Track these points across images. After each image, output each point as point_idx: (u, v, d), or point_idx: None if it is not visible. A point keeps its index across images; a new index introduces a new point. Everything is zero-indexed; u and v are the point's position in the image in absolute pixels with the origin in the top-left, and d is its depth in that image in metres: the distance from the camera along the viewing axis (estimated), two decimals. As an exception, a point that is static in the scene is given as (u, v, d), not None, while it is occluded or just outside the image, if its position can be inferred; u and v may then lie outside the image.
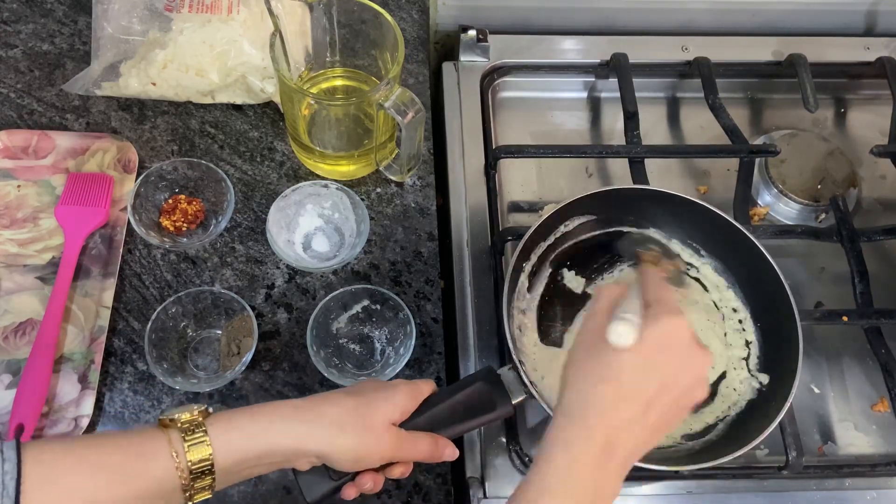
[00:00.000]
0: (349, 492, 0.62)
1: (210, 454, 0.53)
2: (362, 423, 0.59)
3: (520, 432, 0.76)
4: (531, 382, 0.67)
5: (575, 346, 0.57)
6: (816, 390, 0.83)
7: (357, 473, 0.62)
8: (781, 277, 0.74)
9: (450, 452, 0.63)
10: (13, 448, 0.49)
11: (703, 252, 0.82)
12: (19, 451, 0.49)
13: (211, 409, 0.56)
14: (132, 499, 0.52)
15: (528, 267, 0.79)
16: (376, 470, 0.62)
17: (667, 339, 0.54)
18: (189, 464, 0.53)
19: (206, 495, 0.55)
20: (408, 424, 0.64)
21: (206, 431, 0.54)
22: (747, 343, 0.78)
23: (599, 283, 0.77)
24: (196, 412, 0.55)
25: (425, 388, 0.65)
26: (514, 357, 0.69)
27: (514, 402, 0.66)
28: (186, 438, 0.53)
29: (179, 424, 0.54)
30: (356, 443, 0.58)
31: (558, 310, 0.80)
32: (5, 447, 0.49)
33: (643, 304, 0.56)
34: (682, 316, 0.55)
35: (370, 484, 0.62)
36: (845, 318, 0.80)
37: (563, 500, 0.50)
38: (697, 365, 0.56)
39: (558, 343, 0.78)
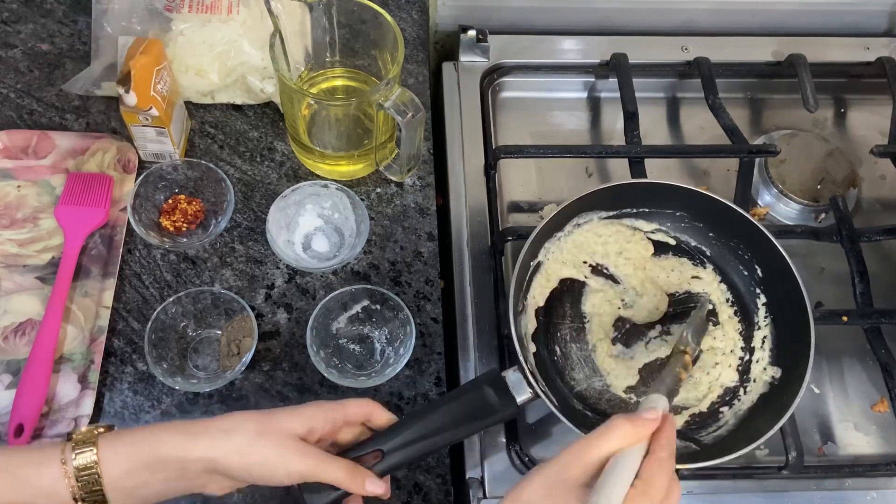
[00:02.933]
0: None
1: (94, 460, 0.54)
2: (254, 430, 0.57)
3: (520, 432, 0.76)
4: (536, 383, 0.67)
5: (536, 482, 0.53)
6: (816, 390, 0.83)
7: None
8: (794, 271, 0.74)
9: (372, 488, 0.60)
10: None
11: (711, 242, 0.83)
12: None
13: (115, 428, 0.57)
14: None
15: (534, 264, 0.79)
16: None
17: None
18: (75, 470, 0.54)
19: None
20: (407, 427, 0.64)
21: (95, 442, 0.55)
22: (763, 339, 0.79)
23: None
24: (99, 429, 0.57)
25: (356, 408, 0.62)
26: (521, 357, 0.69)
27: (518, 403, 0.67)
28: (76, 447, 0.55)
29: (75, 436, 0.55)
30: (245, 447, 0.56)
31: (567, 309, 0.81)
32: None
33: (637, 474, 0.52)
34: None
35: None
36: (845, 319, 0.80)
37: None
38: None
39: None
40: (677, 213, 0.82)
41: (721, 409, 0.76)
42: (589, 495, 0.50)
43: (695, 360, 0.72)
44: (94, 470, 0.54)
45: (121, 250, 0.81)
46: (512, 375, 0.68)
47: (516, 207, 0.91)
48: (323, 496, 0.62)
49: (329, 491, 0.62)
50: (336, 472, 0.59)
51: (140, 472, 0.55)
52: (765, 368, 0.77)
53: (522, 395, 0.67)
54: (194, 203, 0.84)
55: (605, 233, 0.83)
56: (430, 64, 1.01)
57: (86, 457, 0.54)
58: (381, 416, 0.64)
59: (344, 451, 0.64)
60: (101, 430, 0.57)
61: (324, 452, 0.59)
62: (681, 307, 0.81)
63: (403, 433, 0.64)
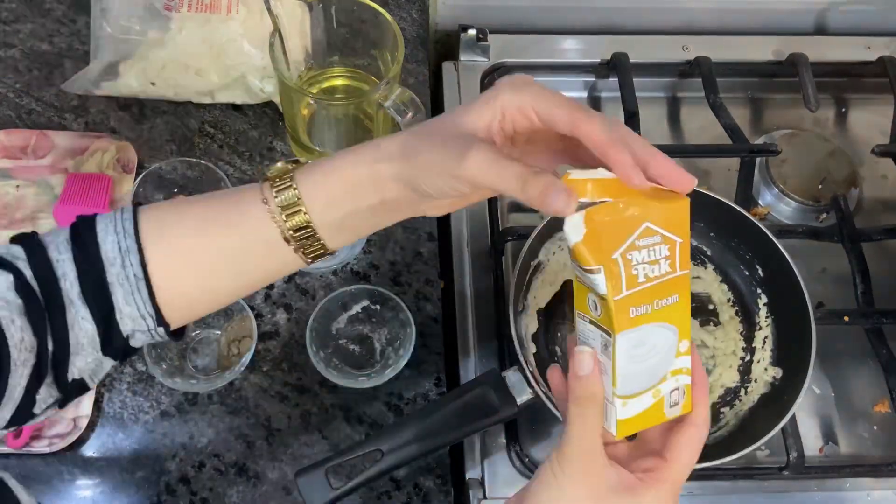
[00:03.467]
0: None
1: (297, 195, 0.50)
2: (437, 126, 0.48)
3: (520, 433, 0.76)
4: (536, 383, 0.67)
5: (577, 486, 0.47)
6: (817, 391, 0.83)
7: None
8: (795, 271, 0.74)
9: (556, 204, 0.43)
10: (130, 206, 0.51)
11: (712, 241, 0.82)
12: (135, 207, 0.51)
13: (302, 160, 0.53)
14: (238, 249, 0.51)
15: (534, 264, 0.79)
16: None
17: (674, 490, 0.48)
18: (280, 209, 0.50)
19: (319, 249, 0.52)
20: (407, 427, 0.64)
21: (292, 177, 0.50)
22: (764, 339, 0.79)
23: None
24: (288, 164, 0.52)
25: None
26: (521, 357, 0.69)
27: (519, 404, 0.66)
28: (274, 185, 0.50)
29: (269, 174, 0.52)
30: (430, 144, 0.47)
31: (567, 309, 0.80)
32: (123, 207, 0.51)
33: (654, 450, 0.49)
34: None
35: None
36: (846, 319, 0.80)
37: None
38: None
39: None
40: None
41: (722, 410, 0.76)
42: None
43: None
44: (298, 206, 0.50)
45: (120, 250, 0.81)
46: (512, 376, 0.68)
47: (516, 207, 0.91)
48: (323, 494, 0.62)
49: (328, 489, 0.62)
50: (513, 179, 0.44)
51: (340, 204, 0.50)
52: (766, 369, 0.77)
53: (523, 396, 0.67)
54: (194, 203, 0.84)
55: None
56: (430, 63, 1.01)
57: (286, 193, 0.50)
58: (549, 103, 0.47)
59: (342, 451, 0.64)
60: (289, 164, 0.53)
61: (503, 157, 0.45)
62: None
63: (403, 433, 0.64)
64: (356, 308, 0.80)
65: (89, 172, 0.85)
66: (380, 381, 0.76)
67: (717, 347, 0.79)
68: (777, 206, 0.92)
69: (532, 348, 0.77)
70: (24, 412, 0.49)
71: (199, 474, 0.74)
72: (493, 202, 0.88)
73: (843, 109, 1.02)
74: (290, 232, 0.50)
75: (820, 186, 0.91)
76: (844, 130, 1.00)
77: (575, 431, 0.47)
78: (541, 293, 0.80)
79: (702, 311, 0.81)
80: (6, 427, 0.49)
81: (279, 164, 0.53)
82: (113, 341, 0.50)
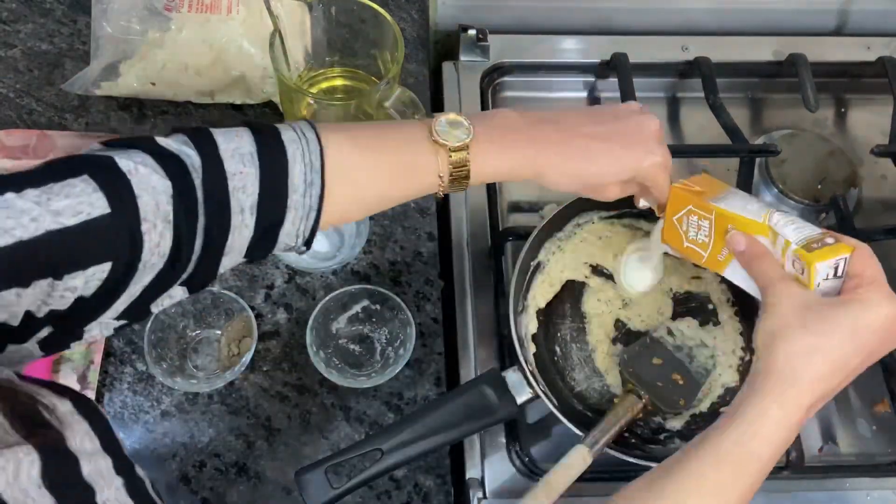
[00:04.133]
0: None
1: (467, 169, 0.60)
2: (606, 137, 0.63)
3: (520, 432, 0.76)
4: (536, 382, 0.67)
5: (790, 299, 0.57)
6: (817, 390, 0.83)
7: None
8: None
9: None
10: (313, 131, 0.56)
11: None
12: (319, 135, 0.56)
13: (472, 134, 0.60)
14: (400, 198, 0.61)
15: (534, 264, 0.79)
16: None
17: (883, 329, 0.56)
18: (450, 178, 0.60)
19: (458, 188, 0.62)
20: (407, 427, 0.64)
21: (467, 161, 0.59)
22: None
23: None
24: (465, 140, 0.59)
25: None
26: (521, 357, 0.69)
27: (518, 403, 0.67)
28: (452, 156, 0.59)
29: (449, 148, 0.59)
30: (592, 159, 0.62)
31: (567, 309, 0.80)
32: (305, 130, 0.56)
33: (850, 273, 0.58)
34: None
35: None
36: (846, 319, 0.80)
37: (770, 447, 0.54)
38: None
39: None
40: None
41: (722, 410, 0.76)
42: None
43: (647, 412, 0.72)
44: (465, 175, 0.60)
45: (120, 250, 0.81)
46: (512, 375, 0.68)
47: (516, 207, 0.91)
48: (323, 493, 0.62)
49: (328, 489, 0.62)
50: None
51: (495, 176, 0.63)
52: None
53: (522, 396, 0.67)
54: (194, 203, 0.84)
55: (605, 233, 0.82)
56: (430, 63, 1.01)
57: (462, 170, 0.59)
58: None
59: (342, 450, 0.64)
60: (465, 140, 0.59)
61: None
62: (681, 307, 0.81)
63: (403, 432, 0.64)
64: (356, 308, 0.80)
65: (89, 172, 0.85)
66: (380, 381, 0.76)
67: (717, 347, 0.79)
68: (777, 206, 0.92)
69: (532, 348, 0.77)
70: (138, 307, 0.52)
71: (199, 474, 0.74)
72: (493, 202, 0.88)
73: (843, 110, 1.02)
74: (449, 185, 0.60)
75: (819, 187, 0.92)
76: (844, 131, 1.00)
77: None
78: (541, 293, 0.80)
79: (701, 310, 0.81)
80: (119, 318, 0.51)
81: (452, 118, 0.60)
82: (261, 249, 0.55)
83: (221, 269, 0.55)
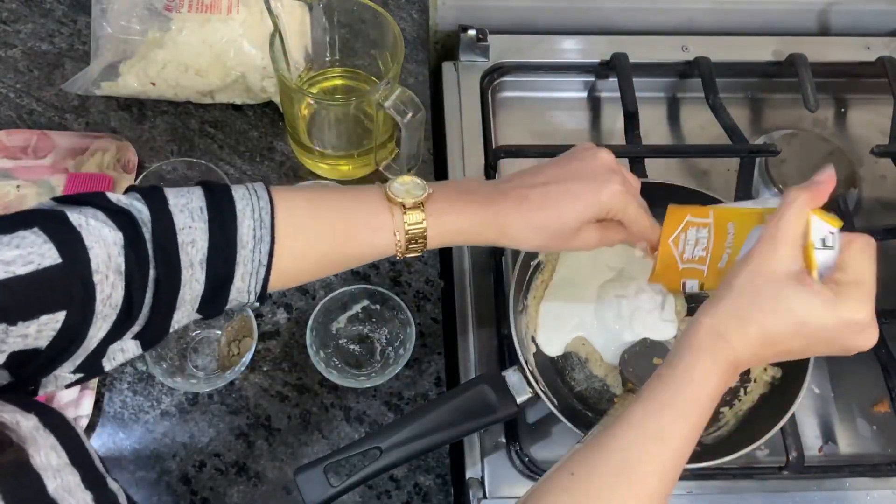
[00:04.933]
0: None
1: (424, 227, 0.59)
2: (553, 230, 0.61)
3: (520, 432, 0.76)
4: (536, 382, 0.67)
5: (754, 265, 0.55)
6: (817, 390, 0.83)
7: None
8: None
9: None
10: (265, 189, 0.56)
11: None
12: (270, 193, 0.56)
13: (428, 191, 0.60)
14: (354, 258, 0.60)
15: (534, 264, 0.79)
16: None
17: (837, 329, 0.54)
18: (406, 237, 0.59)
19: (416, 254, 0.62)
20: (406, 425, 0.64)
21: (423, 209, 0.59)
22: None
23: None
24: (420, 197, 0.59)
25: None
26: (520, 357, 0.69)
27: (518, 403, 0.67)
28: (406, 214, 0.59)
29: (404, 206, 0.59)
30: (545, 243, 0.62)
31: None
32: (257, 188, 0.56)
33: (840, 265, 0.55)
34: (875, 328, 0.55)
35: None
36: (846, 319, 0.80)
37: (706, 392, 0.54)
38: (860, 347, 0.56)
39: None
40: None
41: (721, 410, 0.76)
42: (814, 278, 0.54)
43: None
44: (422, 235, 0.59)
45: (120, 250, 0.81)
46: (512, 375, 0.68)
47: (516, 207, 0.91)
48: (321, 491, 0.62)
49: (326, 487, 0.62)
50: (621, 235, 0.65)
51: (453, 235, 0.61)
52: (765, 369, 0.77)
53: (522, 396, 0.67)
54: (194, 203, 0.84)
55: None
56: (430, 64, 1.01)
57: (417, 227, 0.59)
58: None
59: (341, 449, 0.64)
60: (421, 197, 0.59)
61: (610, 226, 0.64)
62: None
63: (402, 431, 0.64)
64: (356, 308, 0.80)
65: (90, 172, 0.85)
66: (380, 381, 0.76)
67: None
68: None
69: (532, 348, 0.77)
70: (93, 363, 0.52)
71: (199, 474, 0.74)
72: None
73: (843, 110, 1.02)
74: (405, 250, 0.60)
75: (819, 186, 0.91)
76: (844, 131, 1.00)
77: (790, 213, 0.56)
78: (541, 293, 0.80)
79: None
80: (75, 372, 0.51)
81: (407, 180, 0.60)
82: (214, 304, 0.55)
83: (175, 325, 0.54)
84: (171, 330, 0.54)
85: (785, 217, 0.55)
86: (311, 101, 0.84)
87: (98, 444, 0.74)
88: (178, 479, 0.73)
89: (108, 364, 0.53)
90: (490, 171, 0.89)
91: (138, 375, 0.77)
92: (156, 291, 0.52)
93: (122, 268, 0.50)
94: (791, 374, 0.74)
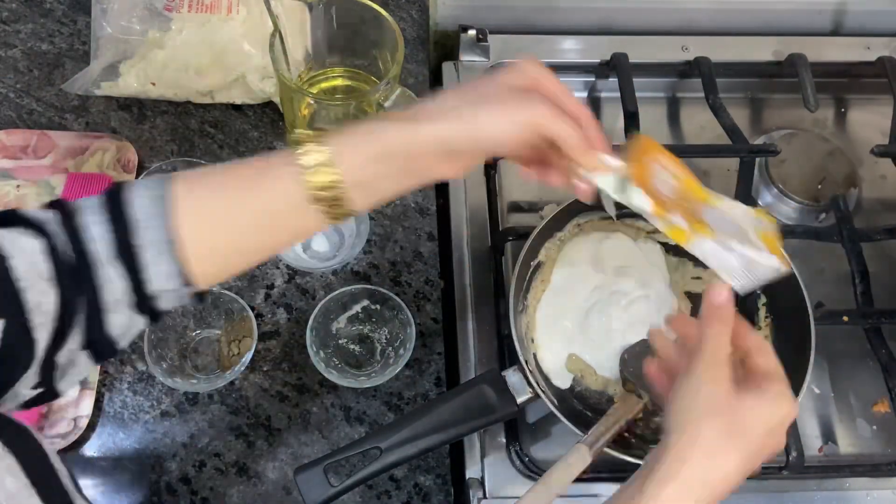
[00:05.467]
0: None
1: (328, 155, 0.52)
2: (473, 98, 0.54)
3: (520, 432, 0.76)
4: (537, 382, 0.67)
5: (703, 386, 0.54)
6: (817, 390, 0.83)
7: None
8: (795, 271, 0.74)
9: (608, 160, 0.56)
10: (165, 177, 0.53)
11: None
12: (167, 175, 0.53)
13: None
14: (266, 210, 0.53)
15: (534, 264, 0.79)
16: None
17: (781, 420, 0.55)
18: (307, 164, 0.52)
19: (346, 210, 0.53)
20: (406, 425, 0.64)
21: (322, 139, 0.53)
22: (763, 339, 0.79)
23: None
24: (320, 135, 0.54)
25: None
26: (521, 356, 0.69)
27: (518, 403, 0.67)
28: (305, 145, 0.52)
29: (299, 137, 0.55)
30: (470, 115, 0.53)
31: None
32: (156, 176, 0.53)
33: (753, 368, 0.56)
34: (796, 405, 0.56)
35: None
36: (846, 319, 0.80)
37: None
38: (774, 451, 0.57)
39: None
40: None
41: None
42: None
43: (647, 412, 0.72)
44: (329, 165, 0.52)
45: (120, 250, 0.81)
46: (512, 375, 0.68)
47: (516, 207, 0.91)
48: (321, 491, 0.62)
49: (326, 487, 0.62)
50: (564, 126, 0.54)
51: (372, 165, 0.53)
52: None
53: (522, 395, 0.67)
54: (194, 203, 0.84)
55: (605, 232, 0.82)
56: (430, 64, 1.01)
57: (319, 155, 0.52)
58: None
59: (341, 448, 0.64)
60: (317, 131, 0.55)
61: (544, 98, 0.54)
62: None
63: (402, 431, 0.64)
64: (356, 308, 0.80)
65: (90, 172, 0.85)
66: (380, 381, 0.76)
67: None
68: (777, 206, 0.92)
69: (532, 348, 0.77)
70: (46, 378, 0.50)
71: (199, 474, 0.74)
72: (492, 202, 0.88)
73: (843, 110, 1.02)
74: (319, 191, 0.52)
75: (819, 186, 0.92)
76: (844, 131, 1.00)
77: (710, 347, 0.54)
78: (540, 293, 0.80)
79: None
80: (34, 388, 0.50)
81: (305, 131, 0.54)
82: (145, 300, 0.52)
83: (116, 329, 0.52)
84: (116, 335, 0.52)
85: (703, 358, 0.55)
86: (311, 101, 0.84)
87: (98, 444, 0.74)
88: (178, 479, 0.73)
89: (65, 385, 0.52)
90: (490, 170, 0.89)
91: (138, 375, 0.77)
92: (83, 296, 0.50)
93: (49, 274, 0.48)
94: (791, 373, 0.73)
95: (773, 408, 0.54)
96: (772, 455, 0.56)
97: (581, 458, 0.64)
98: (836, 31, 1.07)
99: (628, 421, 0.68)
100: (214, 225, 0.53)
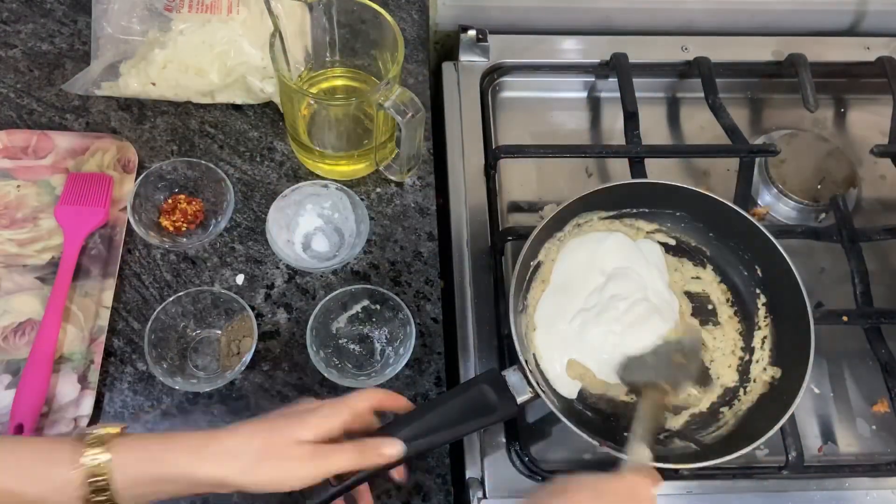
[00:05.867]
0: None
1: (107, 468, 0.56)
2: (260, 448, 0.58)
3: (520, 432, 0.76)
4: (538, 382, 0.67)
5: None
6: (816, 390, 0.83)
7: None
8: (794, 271, 0.75)
9: (389, 451, 0.61)
10: None
11: (711, 242, 0.83)
12: None
13: (127, 430, 0.58)
14: (35, 500, 0.55)
15: (534, 264, 0.79)
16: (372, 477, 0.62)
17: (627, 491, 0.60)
18: (86, 474, 0.55)
19: None
20: (405, 426, 0.64)
21: (108, 448, 0.56)
22: (763, 339, 0.79)
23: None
24: (114, 430, 0.58)
25: (363, 403, 0.63)
26: (521, 356, 0.69)
27: (518, 403, 0.67)
28: (87, 450, 0.56)
29: (88, 439, 0.57)
30: (251, 468, 0.57)
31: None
32: None
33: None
34: None
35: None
36: (845, 319, 0.80)
37: None
38: None
39: None
40: (677, 213, 0.82)
41: (721, 409, 0.76)
42: None
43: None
44: (105, 476, 0.55)
45: (120, 250, 0.81)
46: (512, 375, 0.68)
47: (516, 207, 0.91)
48: (322, 490, 0.62)
49: (328, 486, 0.62)
50: (345, 460, 0.59)
51: (149, 484, 0.57)
52: (765, 369, 0.77)
53: (522, 395, 0.67)
54: (194, 203, 0.84)
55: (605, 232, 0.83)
56: (430, 64, 1.01)
57: (98, 461, 0.55)
58: (393, 403, 0.66)
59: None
60: (114, 431, 0.58)
61: (328, 446, 0.59)
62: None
63: (402, 431, 0.64)
64: (356, 308, 0.80)
65: (90, 172, 0.85)
66: (380, 381, 0.76)
67: (717, 347, 0.79)
68: (776, 206, 0.92)
69: (532, 348, 0.77)
70: None
71: (199, 474, 0.74)
72: (492, 202, 0.88)
73: (842, 110, 1.02)
74: (92, 495, 0.55)
75: (819, 186, 0.92)
76: (843, 131, 1.00)
77: None
78: (539, 294, 0.80)
79: (701, 310, 0.81)
80: None
81: (95, 431, 0.58)
82: None
83: None
84: None
85: None
86: (311, 101, 0.85)
87: (98, 443, 0.74)
88: (179, 478, 0.73)
89: None
90: (490, 170, 0.89)
91: (138, 375, 0.77)
92: None
93: None
94: (791, 373, 0.74)
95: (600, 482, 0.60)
96: None
97: (644, 454, 0.65)
98: (835, 32, 1.06)
99: (659, 412, 0.70)
100: None
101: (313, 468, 0.58)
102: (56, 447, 0.57)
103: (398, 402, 0.66)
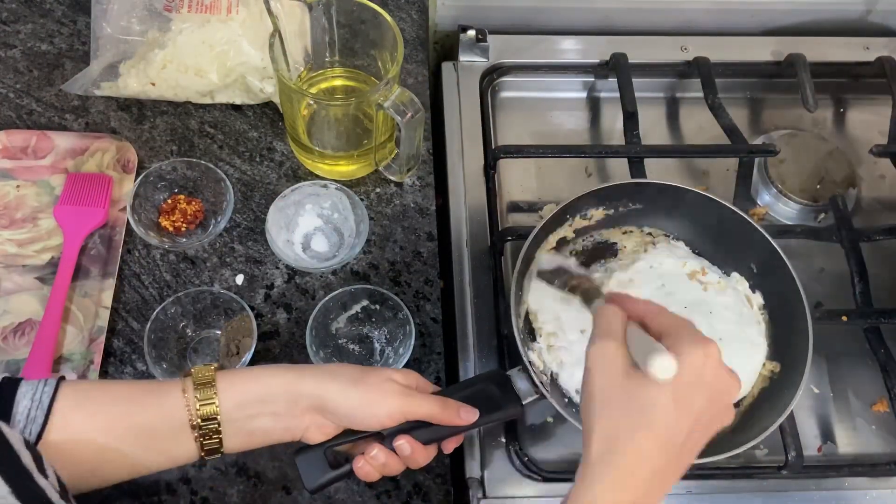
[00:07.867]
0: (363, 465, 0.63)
1: (213, 392, 0.59)
2: (358, 376, 0.62)
3: (520, 432, 0.76)
4: (541, 383, 0.67)
5: (594, 378, 0.54)
6: (816, 390, 0.83)
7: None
8: (792, 271, 0.75)
9: (466, 415, 0.64)
10: (55, 379, 0.58)
11: (710, 240, 0.83)
12: (59, 381, 0.58)
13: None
14: (144, 427, 0.59)
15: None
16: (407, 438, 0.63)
17: (698, 372, 0.52)
18: (196, 400, 0.59)
19: (216, 445, 0.60)
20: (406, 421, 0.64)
21: (213, 377, 0.60)
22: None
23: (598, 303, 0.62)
24: (212, 368, 0.61)
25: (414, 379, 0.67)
26: (524, 357, 0.69)
27: (524, 404, 0.66)
28: (196, 384, 0.59)
29: (194, 375, 0.60)
30: (347, 388, 0.61)
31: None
32: (49, 380, 0.58)
33: (656, 334, 0.54)
34: (711, 343, 0.53)
35: (380, 455, 0.62)
36: (845, 319, 0.80)
37: None
38: (726, 393, 0.54)
39: None
40: (676, 213, 0.82)
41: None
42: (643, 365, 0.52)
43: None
44: (212, 401, 0.59)
45: (120, 250, 0.81)
46: (516, 375, 0.68)
47: (516, 207, 0.91)
48: (321, 474, 0.62)
49: (327, 469, 0.62)
50: (428, 407, 0.63)
51: (252, 405, 0.60)
52: (764, 363, 0.77)
53: (528, 396, 0.67)
54: (194, 203, 0.84)
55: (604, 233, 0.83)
56: (430, 64, 1.01)
57: (207, 389, 0.59)
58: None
59: (342, 433, 0.63)
60: (213, 368, 0.61)
61: (415, 391, 0.64)
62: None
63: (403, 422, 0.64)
64: (356, 308, 0.80)
65: (89, 172, 0.85)
66: (380, 381, 0.76)
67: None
68: (775, 206, 0.92)
69: (533, 348, 0.77)
70: None
71: (199, 474, 0.74)
72: (492, 202, 0.88)
73: (842, 110, 1.02)
74: (199, 420, 0.59)
75: (818, 186, 0.92)
76: (843, 131, 1.00)
77: (597, 332, 0.56)
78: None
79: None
80: None
81: (201, 368, 0.62)
82: (29, 496, 0.51)
83: None
84: None
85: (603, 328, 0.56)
86: (311, 102, 0.85)
87: (98, 444, 0.74)
88: (178, 479, 0.73)
89: None
90: (489, 170, 0.89)
91: (138, 375, 0.77)
92: None
93: None
94: (790, 368, 0.74)
95: (680, 366, 0.51)
96: (723, 400, 0.54)
97: None
98: (835, 32, 1.06)
99: None
100: (86, 431, 0.57)
101: (402, 404, 0.62)
102: (164, 383, 0.62)
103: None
